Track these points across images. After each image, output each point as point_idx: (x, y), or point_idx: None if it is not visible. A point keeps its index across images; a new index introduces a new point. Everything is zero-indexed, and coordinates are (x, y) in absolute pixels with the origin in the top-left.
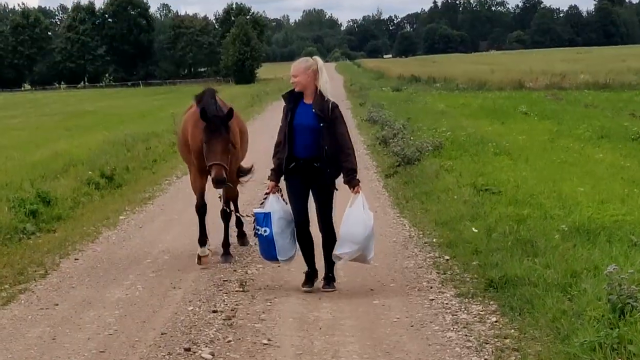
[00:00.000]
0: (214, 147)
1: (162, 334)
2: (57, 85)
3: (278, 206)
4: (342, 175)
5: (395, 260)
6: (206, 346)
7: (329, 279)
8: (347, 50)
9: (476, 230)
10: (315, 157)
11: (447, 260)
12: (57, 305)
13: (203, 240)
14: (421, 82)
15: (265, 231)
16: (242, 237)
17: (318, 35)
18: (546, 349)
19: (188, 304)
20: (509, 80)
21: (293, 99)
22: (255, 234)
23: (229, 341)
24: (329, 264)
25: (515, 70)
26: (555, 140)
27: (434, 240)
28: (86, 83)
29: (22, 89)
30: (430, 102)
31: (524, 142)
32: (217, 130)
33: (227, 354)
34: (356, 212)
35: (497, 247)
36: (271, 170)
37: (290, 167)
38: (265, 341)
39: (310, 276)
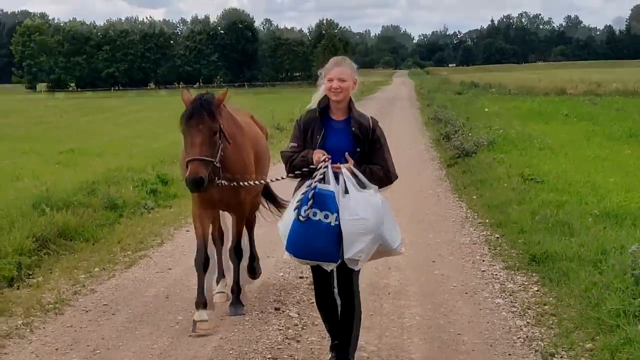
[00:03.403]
0: (193, 138)
1: (256, 296)
2: (176, 85)
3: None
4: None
5: (454, 237)
6: (293, 306)
7: None
8: (418, 60)
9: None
10: None
11: (497, 238)
12: (170, 269)
13: (202, 301)
14: (479, 87)
15: (335, 219)
16: (252, 273)
17: (393, 47)
18: (579, 314)
19: (279, 271)
20: (553, 87)
21: (315, 114)
22: (304, 218)
23: (312, 302)
24: (345, 341)
25: (558, 79)
26: (591, 138)
27: (487, 220)
28: (201, 84)
29: (148, 87)
30: (486, 105)
31: (564, 139)
32: (197, 115)
33: (310, 313)
34: (349, 195)
35: (539, 227)
36: (300, 160)
37: None
38: None
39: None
